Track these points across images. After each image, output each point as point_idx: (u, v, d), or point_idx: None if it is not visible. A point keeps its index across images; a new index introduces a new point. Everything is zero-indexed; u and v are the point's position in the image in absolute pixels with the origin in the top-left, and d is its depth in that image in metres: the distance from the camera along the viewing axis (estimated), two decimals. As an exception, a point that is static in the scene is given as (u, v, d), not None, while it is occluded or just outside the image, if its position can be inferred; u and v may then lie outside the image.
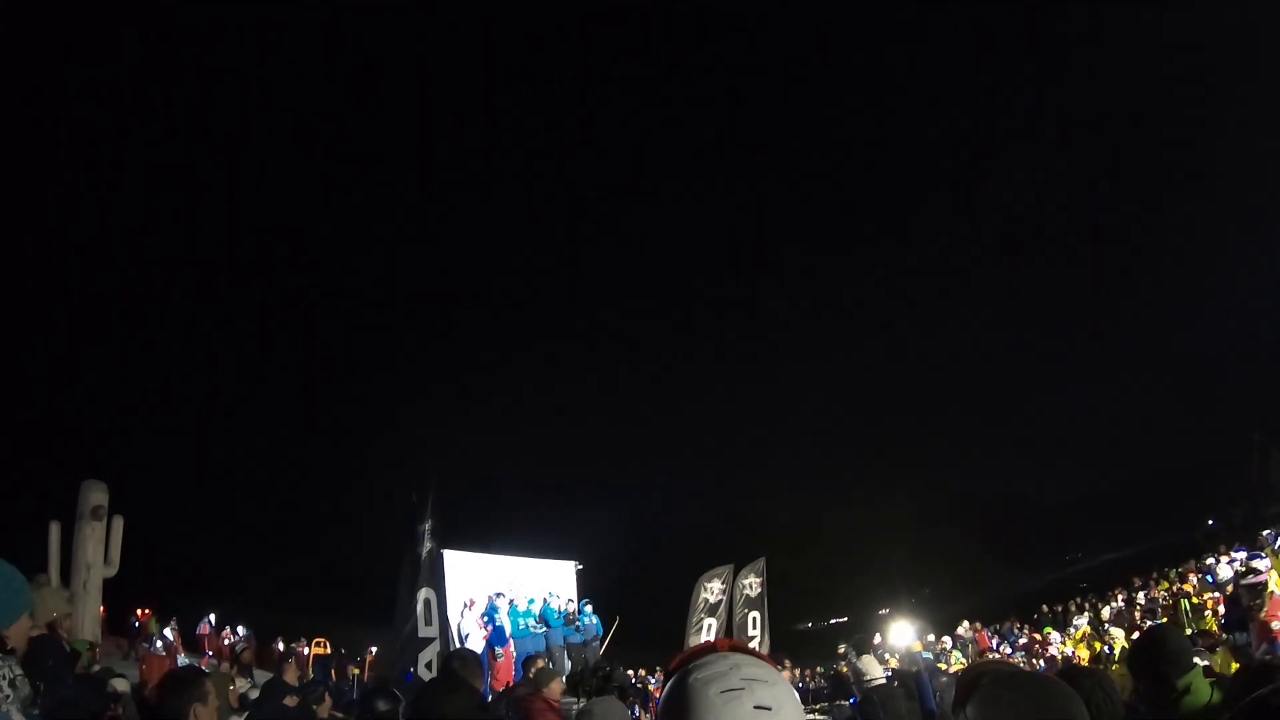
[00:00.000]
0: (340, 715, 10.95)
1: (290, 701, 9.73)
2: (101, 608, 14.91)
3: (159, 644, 27.75)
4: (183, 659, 24.40)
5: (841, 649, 25.08)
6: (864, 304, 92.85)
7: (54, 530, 14.28)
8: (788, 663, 25.05)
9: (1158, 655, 4.09)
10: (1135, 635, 21.84)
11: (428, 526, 14.35)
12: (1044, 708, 2.20)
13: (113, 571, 14.77)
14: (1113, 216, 71.47)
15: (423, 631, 13.60)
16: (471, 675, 4.79)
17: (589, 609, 20.66)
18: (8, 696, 3.64)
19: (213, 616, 31.88)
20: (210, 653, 27.11)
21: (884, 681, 8.83)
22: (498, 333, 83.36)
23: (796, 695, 1.56)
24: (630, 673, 19.63)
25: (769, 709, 1.44)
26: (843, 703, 16.11)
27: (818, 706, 19.19)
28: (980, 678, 2.41)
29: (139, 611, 30.69)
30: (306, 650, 29.44)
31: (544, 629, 19.50)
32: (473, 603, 18.69)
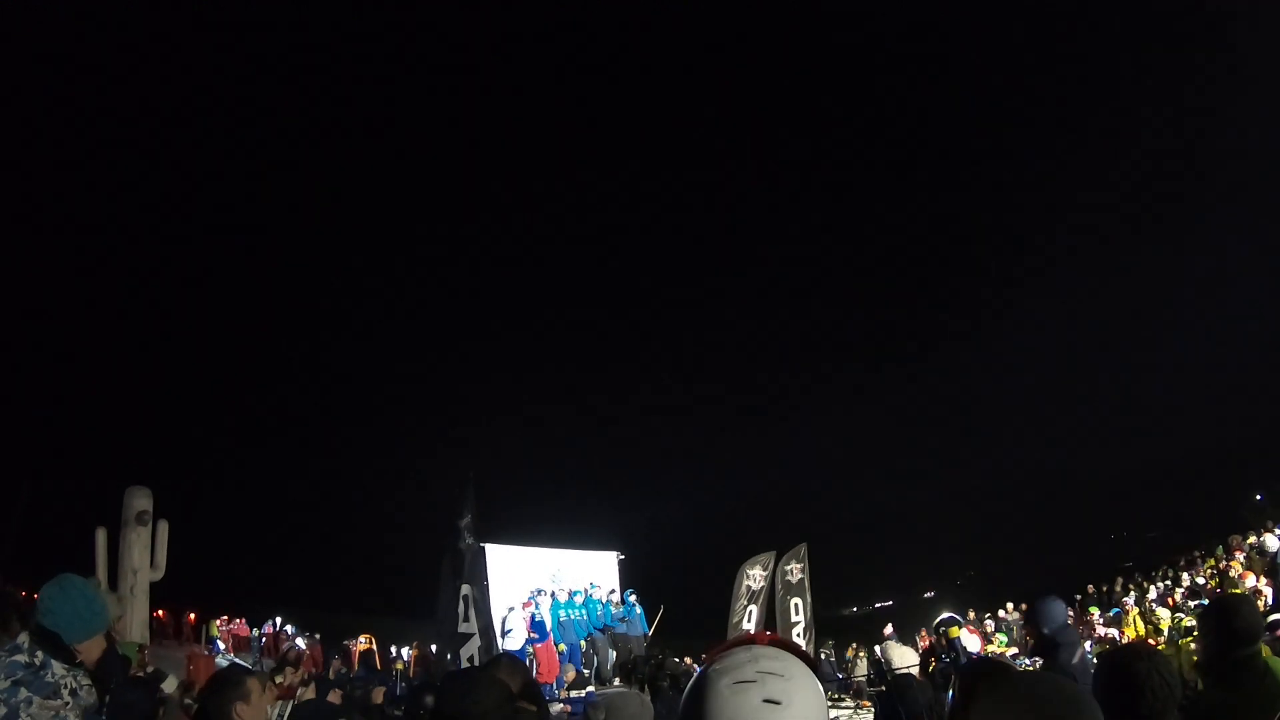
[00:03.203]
0: (396, 712, 11.02)
1: (334, 697, 9.82)
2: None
3: (220, 645, 28.33)
4: (223, 660, 24.73)
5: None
6: (901, 285, 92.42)
7: (100, 536, 14.44)
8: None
9: (1224, 626, 4.03)
10: (1179, 615, 21.67)
11: (467, 522, 14.39)
12: (1053, 715, 2.10)
13: (159, 575, 14.93)
14: (1151, 193, 70.70)
15: (462, 627, 13.64)
16: (507, 673, 4.74)
17: (633, 599, 20.74)
18: (67, 704, 3.83)
19: (279, 619, 32.44)
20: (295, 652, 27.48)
21: (917, 668, 8.77)
22: (536, 325, 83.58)
23: (818, 690, 1.54)
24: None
25: (778, 703, 1.44)
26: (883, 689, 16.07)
27: (859, 693, 19.16)
28: (978, 680, 2.32)
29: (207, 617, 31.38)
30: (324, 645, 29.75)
31: (584, 618, 19.63)
32: (528, 603, 18.82)
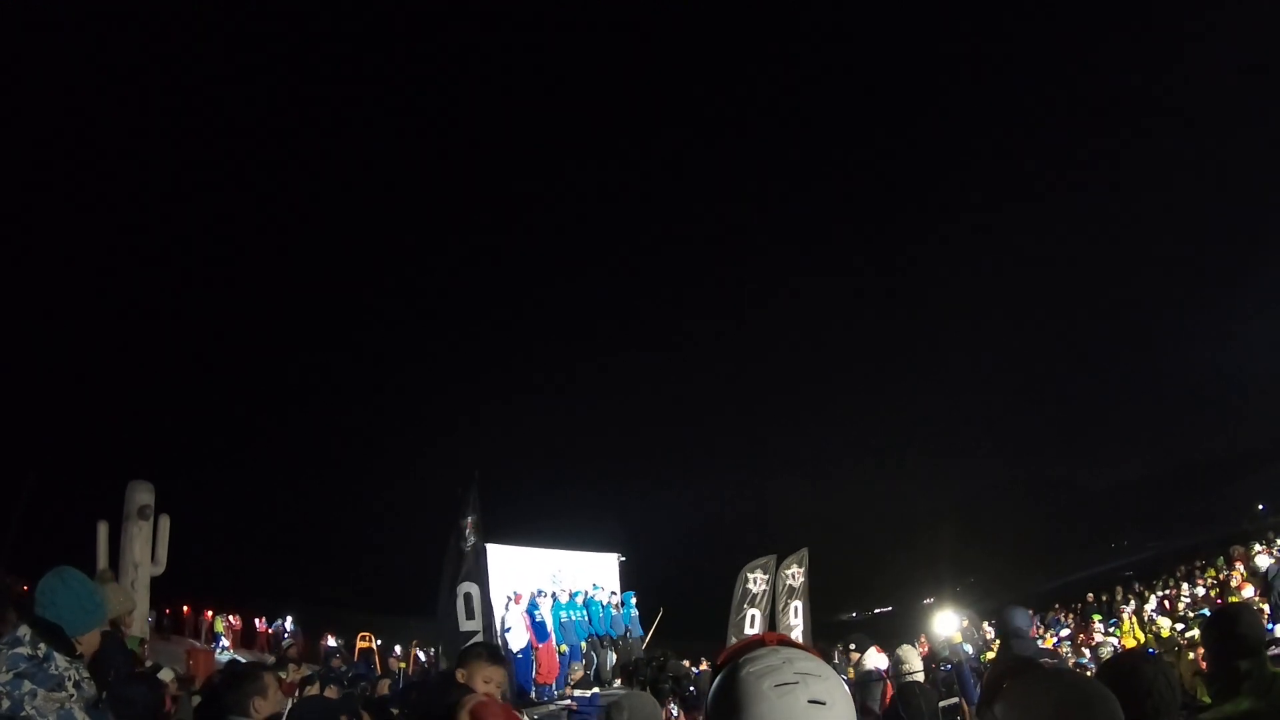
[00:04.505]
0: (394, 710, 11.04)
1: (331, 692, 9.85)
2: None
3: (225, 641, 28.47)
4: (222, 656, 24.77)
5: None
6: (901, 288, 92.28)
7: (102, 530, 14.45)
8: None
9: (1227, 635, 4.03)
10: (1179, 625, 21.62)
11: (469, 521, 14.36)
12: (1075, 709, 2.13)
13: (160, 570, 14.93)
14: (1162, 203, 70.50)
15: (464, 626, 13.60)
16: (472, 667, 4.72)
17: (632, 601, 20.76)
18: (71, 695, 3.87)
19: (290, 618, 32.60)
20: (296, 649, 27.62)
21: (920, 675, 8.75)
22: (540, 330, 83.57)
23: (848, 690, 1.53)
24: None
25: (823, 703, 1.43)
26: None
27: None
28: (1004, 677, 2.34)
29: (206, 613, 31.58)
30: (334, 642, 29.83)
31: (585, 619, 19.64)
32: (519, 596, 18.74)
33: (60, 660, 3.86)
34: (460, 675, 4.61)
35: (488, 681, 4.58)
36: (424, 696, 5.09)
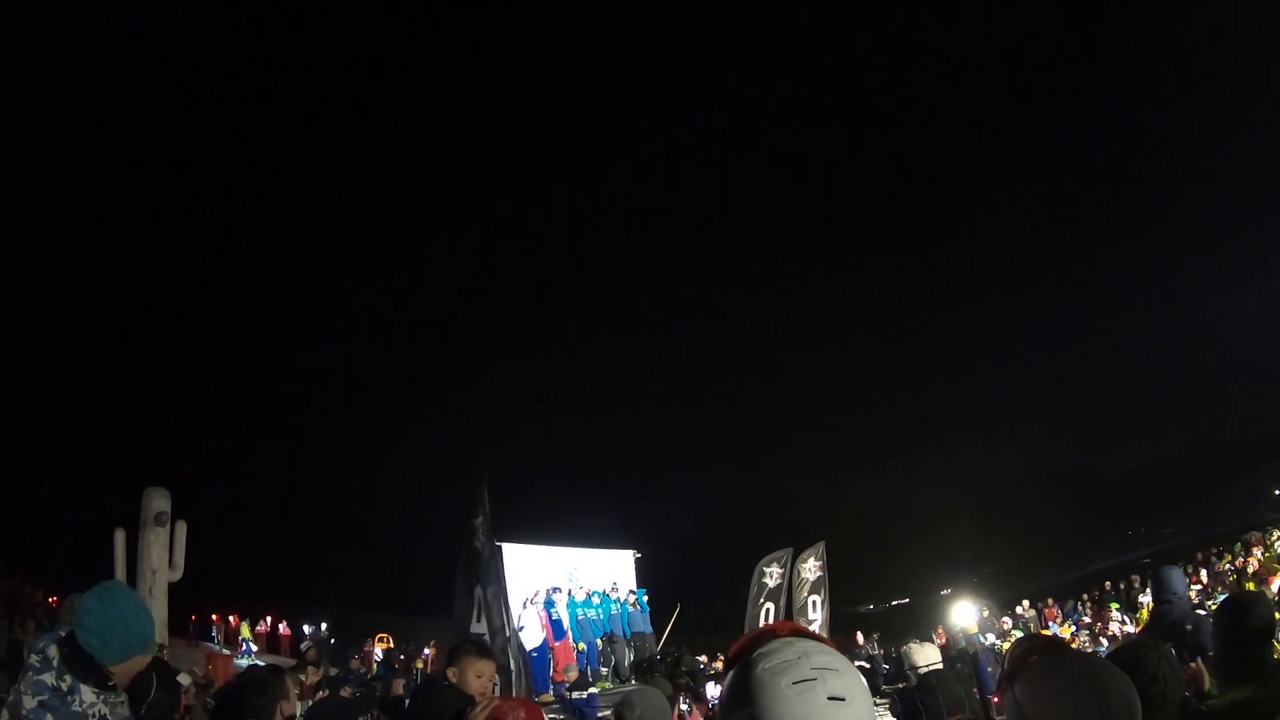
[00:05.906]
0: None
1: (346, 692, 9.93)
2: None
3: (253, 648, 28.67)
4: (243, 661, 24.88)
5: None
6: (913, 279, 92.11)
7: (119, 537, 14.49)
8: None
9: (1238, 623, 4.03)
10: (1199, 612, 21.53)
11: (480, 521, 14.35)
12: (1096, 689, 2.12)
13: (177, 576, 14.96)
14: (1178, 195, 70.23)
15: (475, 627, 13.59)
16: (461, 663, 4.72)
17: (645, 599, 20.76)
18: None
19: (324, 625, 32.79)
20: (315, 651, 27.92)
21: (940, 666, 8.73)
22: (552, 327, 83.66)
23: (866, 683, 1.50)
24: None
25: (842, 699, 1.40)
26: (901, 685, 16.03)
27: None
28: (1029, 654, 2.35)
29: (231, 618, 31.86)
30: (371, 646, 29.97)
31: (600, 618, 19.67)
32: (537, 594, 18.78)
33: (86, 694, 3.56)
34: (451, 674, 4.60)
35: (479, 676, 4.56)
36: (414, 701, 5.09)
